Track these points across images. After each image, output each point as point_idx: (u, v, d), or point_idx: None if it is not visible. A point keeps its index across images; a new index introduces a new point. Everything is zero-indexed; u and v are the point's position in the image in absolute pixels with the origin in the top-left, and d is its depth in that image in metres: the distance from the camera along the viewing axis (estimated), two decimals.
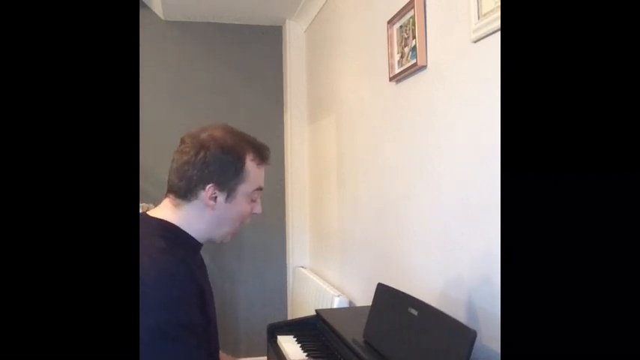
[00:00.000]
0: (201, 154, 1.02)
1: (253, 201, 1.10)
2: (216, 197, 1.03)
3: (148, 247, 0.93)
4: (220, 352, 1.29)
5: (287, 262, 3.28)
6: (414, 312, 1.20)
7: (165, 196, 1.07)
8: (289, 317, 3.17)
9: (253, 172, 1.07)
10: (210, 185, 1.02)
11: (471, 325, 1.05)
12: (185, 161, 1.03)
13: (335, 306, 2.22)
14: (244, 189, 1.06)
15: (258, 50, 3.28)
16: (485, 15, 1.21)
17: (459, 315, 1.35)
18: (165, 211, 1.06)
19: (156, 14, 3.14)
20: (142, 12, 3.05)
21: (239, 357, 3.06)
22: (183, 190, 1.03)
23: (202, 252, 1.12)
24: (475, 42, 1.28)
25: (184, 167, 1.03)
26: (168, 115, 3.08)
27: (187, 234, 1.04)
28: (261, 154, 1.10)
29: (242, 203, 1.07)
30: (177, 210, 1.04)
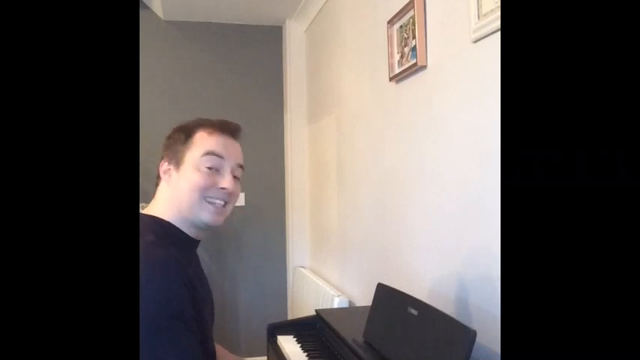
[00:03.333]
0: (165, 140, 1.11)
1: (212, 169, 1.04)
2: (170, 172, 1.07)
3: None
4: (224, 350, 1.29)
5: (287, 262, 3.28)
6: (414, 312, 1.20)
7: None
8: (289, 317, 3.17)
9: (202, 138, 1.06)
10: (163, 160, 1.08)
11: (471, 325, 1.05)
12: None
13: (335, 306, 2.22)
14: (190, 155, 1.05)
15: (258, 50, 3.28)
16: (485, 15, 1.21)
17: (459, 315, 1.35)
18: (151, 207, 1.09)
19: (156, 14, 3.14)
20: (142, 12, 3.05)
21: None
22: (156, 177, 1.10)
23: (202, 252, 1.12)
24: (475, 42, 1.28)
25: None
26: (168, 115, 3.07)
27: (175, 227, 1.05)
28: (219, 125, 1.09)
29: (190, 170, 1.04)
30: (155, 200, 1.09)
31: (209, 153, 1.05)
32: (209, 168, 1.04)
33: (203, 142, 1.06)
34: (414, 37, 1.60)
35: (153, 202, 1.09)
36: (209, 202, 1.04)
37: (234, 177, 1.08)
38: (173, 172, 1.06)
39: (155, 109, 3.03)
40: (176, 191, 1.05)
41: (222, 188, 1.05)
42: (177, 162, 1.05)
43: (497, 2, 1.16)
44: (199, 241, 1.10)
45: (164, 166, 1.07)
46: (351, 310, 2.05)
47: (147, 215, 1.06)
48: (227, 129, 1.09)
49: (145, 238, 0.97)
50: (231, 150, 1.08)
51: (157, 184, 1.10)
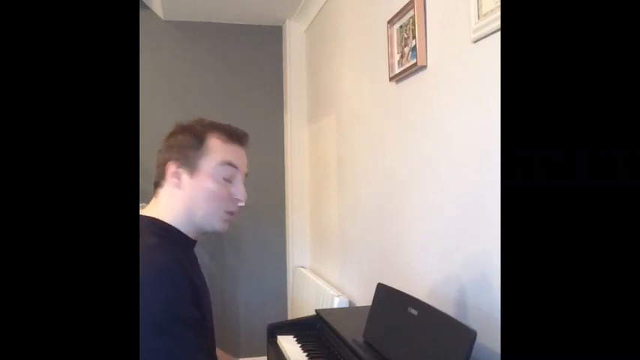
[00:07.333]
0: (167, 138, 1.08)
1: (227, 180, 1.06)
2: (179, 175, 1.04)
3: (140, 245, 0.93)
4: (218, 349, 1.29)
5: (287, 262, 3.28)
6: (414, 312, 1.20)
7: (152, 193, 1.10)
8: (289, 317, 3.17)
9: (217, 146, 1.05)
10: (170, 162, 1.04)
11: (471, 325, 1.05)
12: (158, 150, 1.09)
13: (335, 306, 2.22)
14: (207, 163, 1.04)
15: (258, 50, 3.28)
16: (485, 15, 1.21)
17: (459, 315, 1.35)
18: (152, 208, 1.07)
19: (156, 14, 3.14)
20: (142, 12, 3.05)
21: (239, 357, 3.06)
22: (157, 177, 1.07)
23: (202, 252, 1.12)
24: (475, 42, 1.28)
25: (158, 156, 1.08)
26: (168, 115, 3.07)
27: (176, 229, 1.05)
28: (230, 133, 1.08)
29: (207, 179, 1.03)
30: (159, 202, 1.07)
31: (226, 163, 1.05)
32: (224, 178, 1.05)
33: (219, 151, 1.05)
34: (414, 37, 1.60)
35: (155, 204, 1.07)
36: (224, 212, 1.06)
37: None
38: (184, 176, 1.04)
39: (155, 109, 3.03)
40: (190, 198, 1.04)
41: (237, 199, 1.07)
42: (190, 167, 1.03)
43: (497, 2, 1.16)
44: (196, 241, 1.10)
45: (172, 168, 1.03)
46: (351, 310, 2.05)
47: (145, 217, 1.05)
48: (238, 137, 1.09)
49: (148, 241, 0.97)
50: (242, 159, 1.09)
51: (156, 184, 1.08)
